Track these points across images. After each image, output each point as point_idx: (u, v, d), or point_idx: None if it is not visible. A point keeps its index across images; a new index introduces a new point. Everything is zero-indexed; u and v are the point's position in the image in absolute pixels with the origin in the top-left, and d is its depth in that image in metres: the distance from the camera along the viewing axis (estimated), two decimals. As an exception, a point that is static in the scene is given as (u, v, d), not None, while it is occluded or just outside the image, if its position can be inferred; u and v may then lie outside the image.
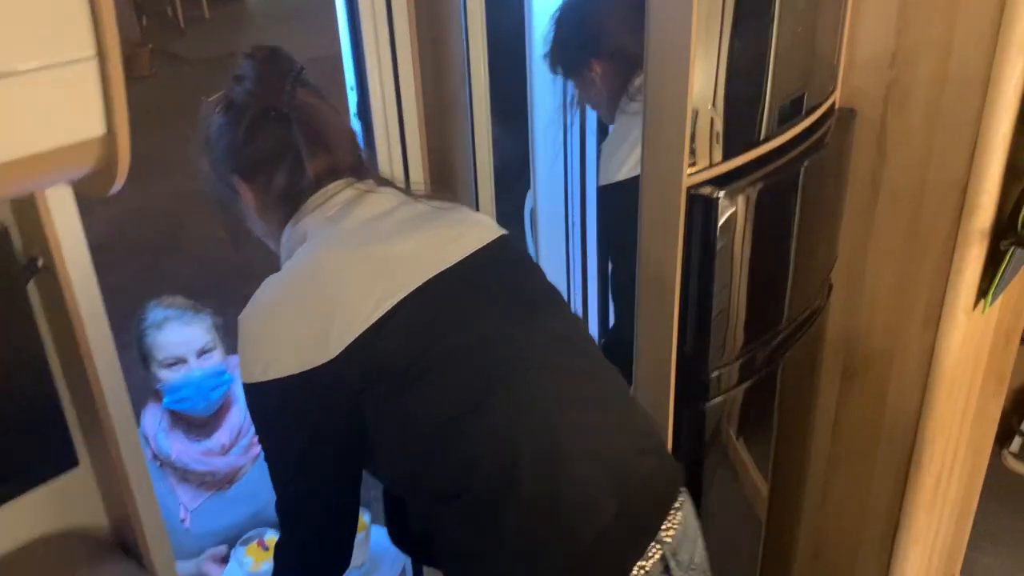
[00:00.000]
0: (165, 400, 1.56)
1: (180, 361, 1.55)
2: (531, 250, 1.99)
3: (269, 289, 1.06)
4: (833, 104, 1.55)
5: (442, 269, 1.06)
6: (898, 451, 1.82)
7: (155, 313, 1.58)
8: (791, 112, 1.39)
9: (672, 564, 1.06)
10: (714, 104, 1.25)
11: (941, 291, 1.62)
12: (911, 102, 1.53)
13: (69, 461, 1.11)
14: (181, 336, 1.55)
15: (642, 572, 1.03)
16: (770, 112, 1.33)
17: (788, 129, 1.39)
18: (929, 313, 1.66)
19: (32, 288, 1.04)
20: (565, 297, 1.44)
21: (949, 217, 1.56)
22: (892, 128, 1.56)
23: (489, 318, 1.07)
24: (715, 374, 1.39)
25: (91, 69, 0.73)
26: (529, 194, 2.00)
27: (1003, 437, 2.72)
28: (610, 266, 1.75)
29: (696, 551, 1.11)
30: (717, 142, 1.27)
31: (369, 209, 1.10)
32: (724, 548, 1.53)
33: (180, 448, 1.55)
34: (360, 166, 1.16)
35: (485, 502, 1.00)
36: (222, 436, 1.59)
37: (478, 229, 1.14)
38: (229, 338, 1.65)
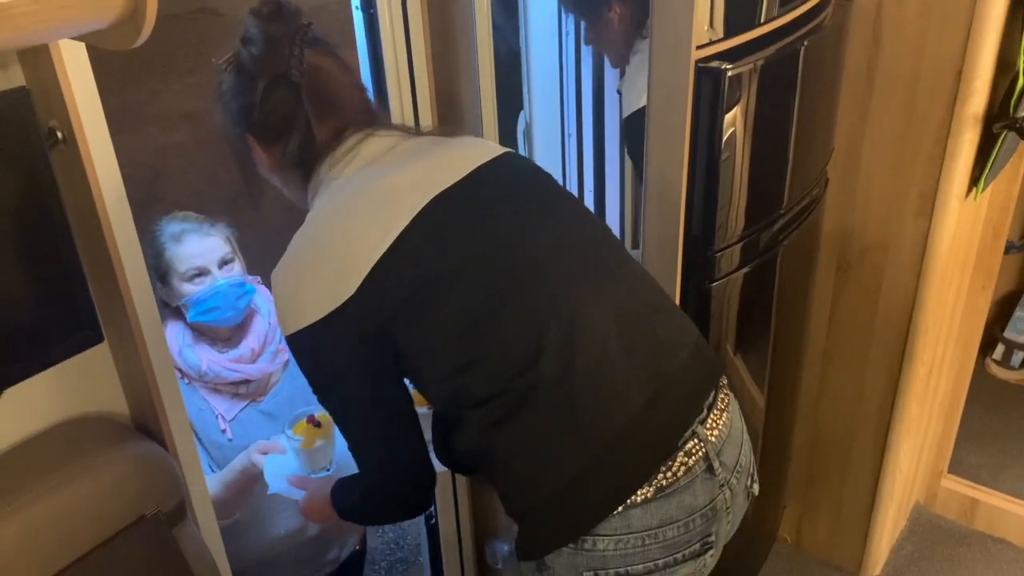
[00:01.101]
0: (191, 314, 1.54)
1: (203, 273, 1.52)
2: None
3: (292, 245, 1.10)
4: (830, -8, 1.57)
5: (447, 187, 1.07)
6: (891, 344, 1.87)
7: (171, 227, 1.54)
8: (791, -5, 1.41)
9: (716, 464, 1.08)
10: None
11: (935, 179, 1.66)
12: (906, -11, 1.55)
13: (94, 335, 1.12)
14: (202, 246, 1.53)
15: (683, 468, 1.05)
16: (771, -7, 1.35)
17: (788, 12, 1.41)
18: (923, 202, 1.70)
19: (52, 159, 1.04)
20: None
21: (943, 103, 1.59)
22: (887, 15, 1.59)
23: (502, 223, 1.08)
24: (719, 255, 1.42)
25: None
26: (521, 114, 2.00)
27: (986, 346, 2.79)
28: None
29: (742, 454, 1.14)
30: (723, 21, 1.29)
31: (372, 152, 1.13)
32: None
33: (209, 358, 1.54)
34: (371, 120, 1.17)
35: (518, 398, 1.03)
36: (250, 342, 1.59)
37: (481, 148, 1.15)
38: (245, 253, 1.65)
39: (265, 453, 1.47)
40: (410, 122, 1.56)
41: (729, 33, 1.30)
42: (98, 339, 1.13)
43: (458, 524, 2.02)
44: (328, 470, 1.45)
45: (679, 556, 1.08)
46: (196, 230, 1.55)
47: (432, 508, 2.00)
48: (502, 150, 1.15)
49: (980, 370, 2.75)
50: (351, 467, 1.24)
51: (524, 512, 1.09)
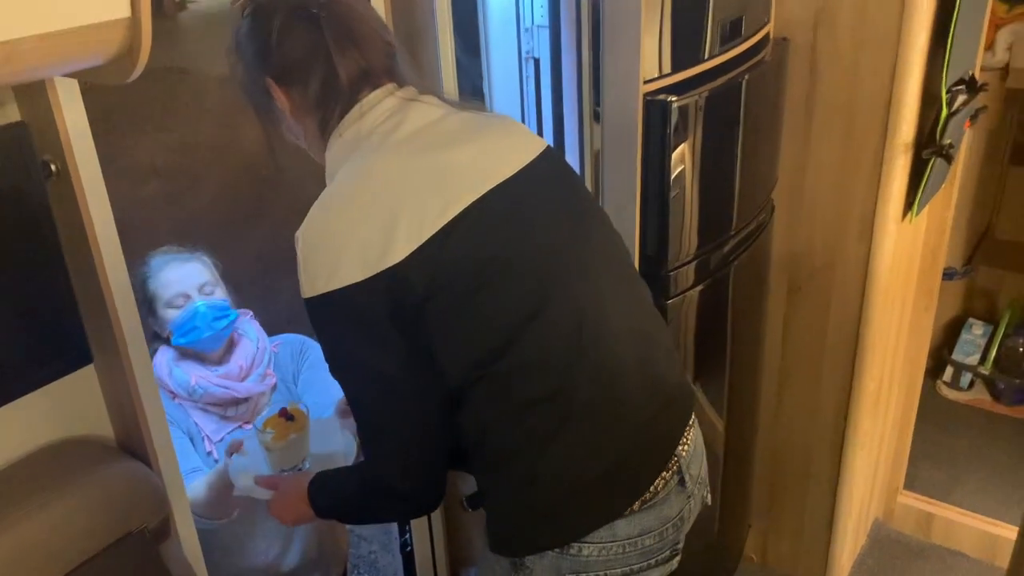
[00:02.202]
0: (174, 338, 1.60)
1: (184, 298, 1.60)
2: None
3: (327, 201, 1.05)
4: (768, 33, 1.69)
5: (499, 182, 1.06)
6: (842, 361, 1.97)
7: (155, 259, 1.64)
8: (731, 35, 1.53)
9: (687, 477, 1.15)
10: (662, 24, 1.38)
11: (873, 203, 1.78)
12: (837, 27, 1.69)
13: (84, 355, 1.18)
14: (181, 272, 1.61)
15: (663, 482, 1.12)
16: (712, 33, 1.47)
17: (730, 49, 1.52)
18: (863, 225, 1.81)
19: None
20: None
21: (877, 132, 1.72)
22: (822, 52, 1.72)
23: (543, 230, 1.09)
24: (673, 273, 1.52)
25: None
26: None
27: (937, 369, 2.92)
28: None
29: (702, 467, 1.21)
30: (669, 57, 1.40)
31: (417, 119, 1.09)
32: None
33: (198, 374, 1.60)
34: (395, 69, 1.13)
35: (541, 400, 1.05)
36: (239, 360, 1.64)
37: (525, 141, 1.14)
38: (226, 280, 1.71)
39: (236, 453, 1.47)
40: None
41: (675, 68, 1.41)
42: (87, 360, 1.19)
43: (433, 552, 2.07)
44: (300, 468, 1.40)
45: (652, 562, 1.14)
46: (177, 259, 1.63)
47: (408, 536, 2.04)
48: (543, 145, 1.15)
49: (932, 392, 2.87)
50: (327, 465, 1.27)
51: (515, 509, 1.10)
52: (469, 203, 1.03)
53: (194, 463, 1.58)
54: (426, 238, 1.00)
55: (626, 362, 1.09)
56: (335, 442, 1.45)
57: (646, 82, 1.36)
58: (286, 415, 1.38)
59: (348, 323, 1.03)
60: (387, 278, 0.99)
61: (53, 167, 1.11)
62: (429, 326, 1.03)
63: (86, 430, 1.29)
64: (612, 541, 1.10)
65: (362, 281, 0.99)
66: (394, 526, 2.06)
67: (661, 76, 1.39)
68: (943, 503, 2.38)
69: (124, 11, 0.90)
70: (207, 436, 1.62)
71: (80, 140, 1.11)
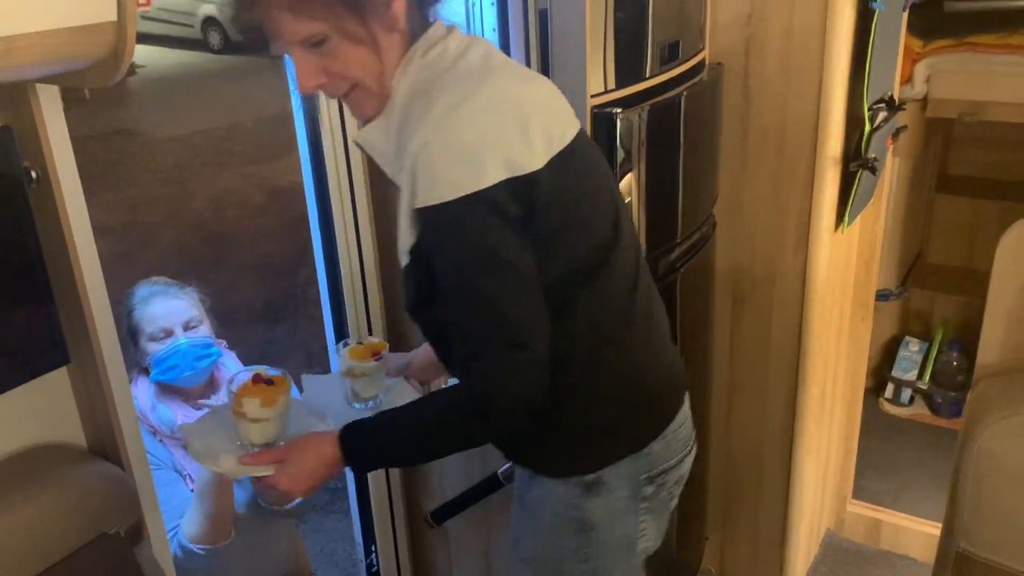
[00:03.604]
0: (153, 373, 1.60)
1: (168, 333, 1.61)
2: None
3: (456, 109, 1.02)
4: (704, 59, 1.83)
5: (578, 130, 1.15)
6: (786, 369, 2.07)
7: (142, 290, 1.64)
8: (670, 57, 1.65)
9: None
10: (605, 44, 1.50)
11: (807, 215, 1.90)
12: (766, 54, 1.83)
13: (61, 356, 1.22)
14: (167, 307, 1.61)
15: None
16: (652, 55, 1.59)
17: (670, 69, 1.65)
18: (799, 237, 1.93)
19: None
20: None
21: (808, 148, 1.85)
22: (753, 76, 1.85)
23: (605, 180, 1.20)
24: (625, 279, 1.60)
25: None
26: None
27: (879, 386, 3.05)
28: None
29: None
30: (614, 75, 1.52)
31: (483, 50, 1.14)
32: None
33: (183, 413, 1.60)
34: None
35: (627, 311, 1.18)
36: (222, 396, 1.64)
37: (570, 109, 1.19)
38: (213, 315, 1.73)
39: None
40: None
41: (620, 85, 1.52)
42: (66, 359, 1.23)
43: (399, 572, 2.09)
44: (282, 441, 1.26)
45: (687, 450, 1.30)
46: (164, 292, 1.64)
47: (374, 556, 2.06)
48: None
49: (875, 409, 2.99)
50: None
51: (593, 426, 1.18)
52: (573, 136, 1.12)
53: (185, 496, 1.59)
54: (555, 152, 1.07)
55: (657, 307, 1.26)
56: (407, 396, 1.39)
57: (593, 96, 1.47)
58: (263, 379, 1.23)
59: (492, 222, 1.02)
60: (527, 182, 1.03)
61: (34, 174, 1.16)
62: (541, 233, 1.06)
63: (58, 432, 1.30)
64: (669, 434, 1.23)
65: (509, 179, 1.01)
66: (359, 547, 2.08)
67: (607, 91, 1.50)
68: (890, 509, 2.48)
69: (111, 15, 0.98)
70: (189, 475, 1.63)
71: (61, 148, 1.16)
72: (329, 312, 1.79)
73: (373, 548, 2.04)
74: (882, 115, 1.87)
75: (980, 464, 1.11)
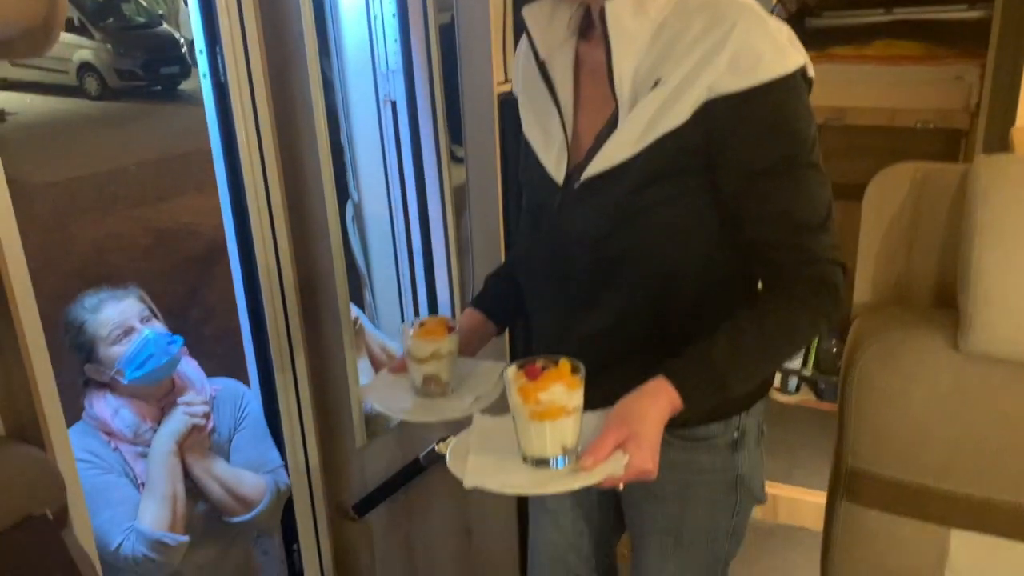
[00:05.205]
0: (128, 374, 1.57)
1: (127, 331, 1.58)
2: (358, 258, 2.13)
3: (746, 5, 1.06)
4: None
5: None
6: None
7: (87, 301, 1.62)
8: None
9: None
10: (505, 41, 1.61)
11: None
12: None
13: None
14: (118, 308, 1.60)
15: None
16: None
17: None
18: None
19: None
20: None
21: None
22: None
23: None
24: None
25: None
26: (349, 203, 2.17)
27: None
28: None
29: None
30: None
31: None
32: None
33: (151, 416, 1.62)
34: None
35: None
36: (189, 397, 1.66)
37: None
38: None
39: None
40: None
41: (521, 75, 1.64)
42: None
43: (322, 571, 2.09)
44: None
45: None
46: (111, 296, 1.63)
47: (296, 552, 2.06)
48: None
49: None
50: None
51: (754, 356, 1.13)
52: None
53: (137, 500, 1.59)
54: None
55: None
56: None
57: (499, 84, 1.58)
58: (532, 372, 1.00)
59: (808, 110, 1.10)
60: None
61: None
62: None
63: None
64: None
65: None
66: (280, 548, 2.07)
67: (507, 80, 1.61)
68: (784, 484, 2.64)
69: (41, -18, 1.01)
70: (143, 483, 1.61)
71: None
72: (251, 339, 1.78)
73: (296, 547, 2.04)
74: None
75: (860, 386, 1.25)
